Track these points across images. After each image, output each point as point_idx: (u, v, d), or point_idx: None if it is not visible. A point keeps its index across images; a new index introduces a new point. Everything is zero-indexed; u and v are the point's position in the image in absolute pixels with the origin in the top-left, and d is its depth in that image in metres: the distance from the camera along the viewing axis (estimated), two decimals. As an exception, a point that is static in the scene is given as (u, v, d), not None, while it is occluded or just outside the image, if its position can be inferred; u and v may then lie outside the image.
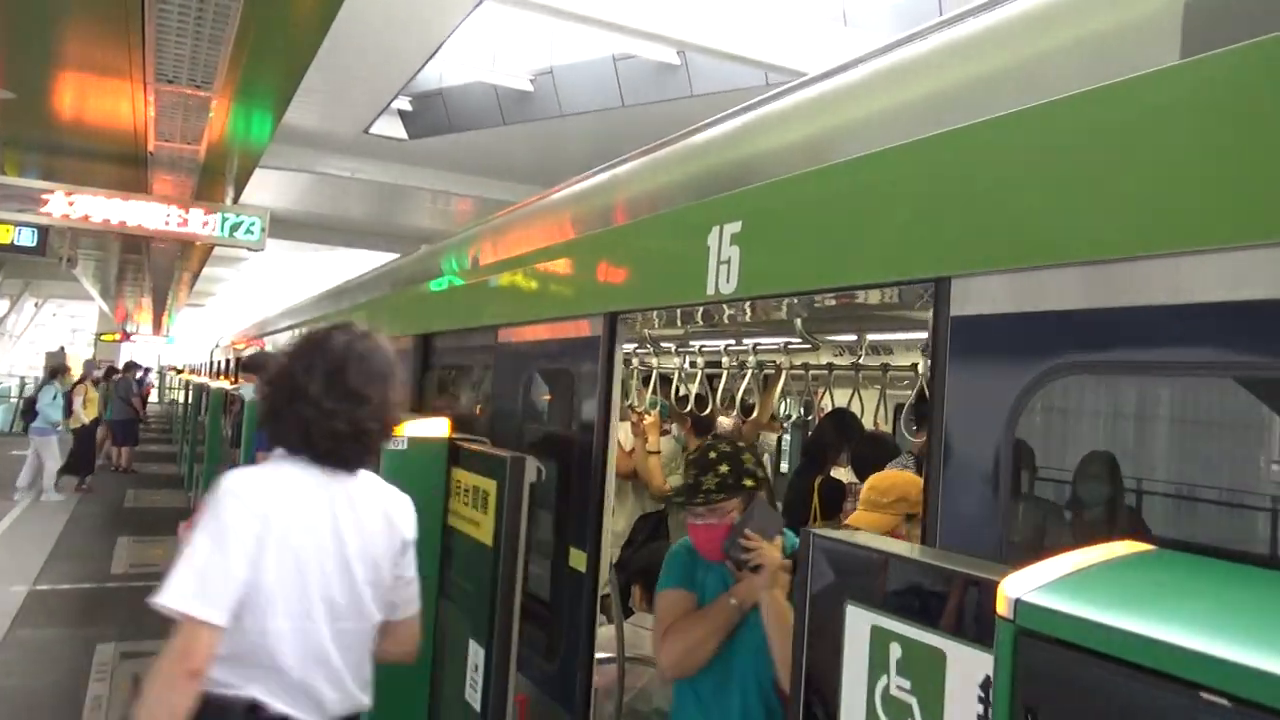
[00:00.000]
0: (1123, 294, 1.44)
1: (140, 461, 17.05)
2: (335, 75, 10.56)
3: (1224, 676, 0.79)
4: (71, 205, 8.70)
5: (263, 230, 9.43)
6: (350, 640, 2.18)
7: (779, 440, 7.47)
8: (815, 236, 2.17)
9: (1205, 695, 0.80)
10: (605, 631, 3.27)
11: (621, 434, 5.35)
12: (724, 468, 2.55)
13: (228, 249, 12.69)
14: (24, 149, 9.03)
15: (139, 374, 20.58)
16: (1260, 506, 1.57)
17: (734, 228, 2.43)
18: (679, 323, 4.04)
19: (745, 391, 5.44)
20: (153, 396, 30.76)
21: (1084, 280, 1.50)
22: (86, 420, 14.51)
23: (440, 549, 3.30)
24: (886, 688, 1.39)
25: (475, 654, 2.95)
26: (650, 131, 3.19)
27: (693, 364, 5.45)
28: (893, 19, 9.82)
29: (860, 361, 5.04)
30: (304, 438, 2.17)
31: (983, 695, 1.21)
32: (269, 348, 12.66)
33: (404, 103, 13.38)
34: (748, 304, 2.67)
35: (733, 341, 5.37)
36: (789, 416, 6.49)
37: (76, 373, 17.35)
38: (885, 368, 5.11)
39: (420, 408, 4.82)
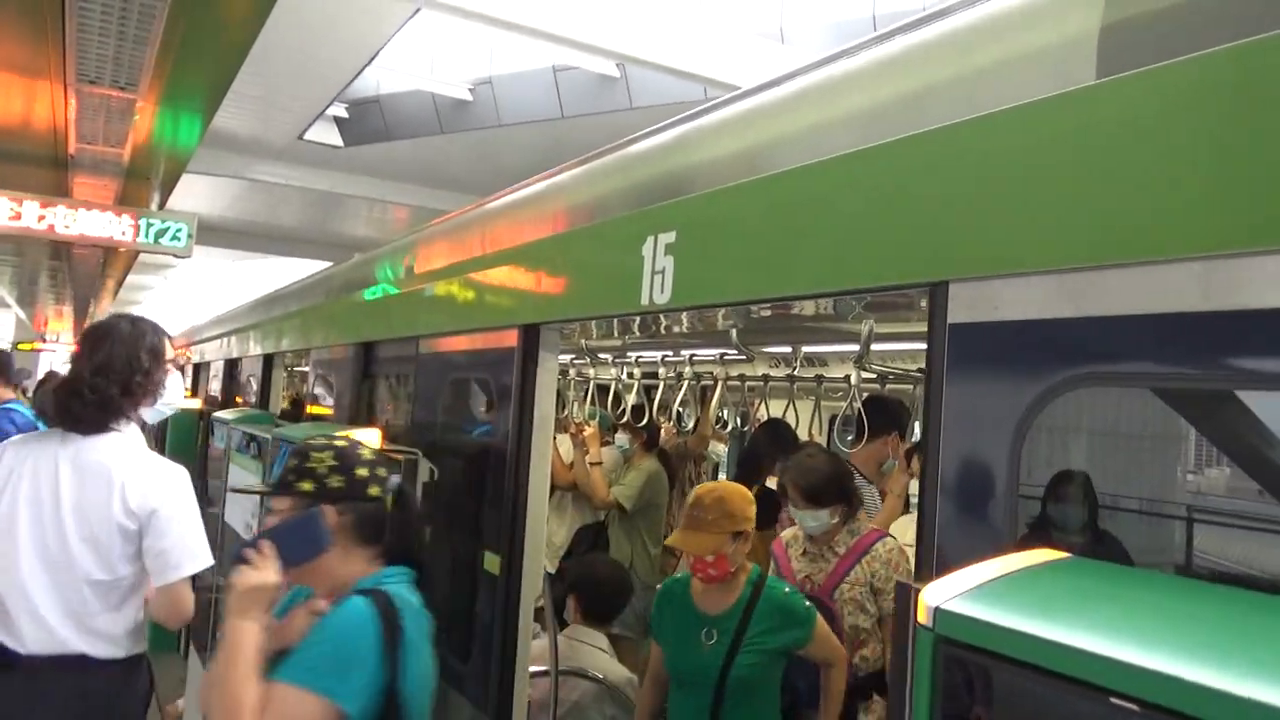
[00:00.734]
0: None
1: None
2: (268, 80, 10.34)
3: (1132, 681, 0.81)
4: (-15, 209, 8.35)
5: (190, 236, 9.15)
6: (65, 588, 2.44)
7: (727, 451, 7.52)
8: (751, 246, 2.18)
9: (1115, 700, 0.81)
10: (540, 644, 3.26)
11: (564, 447, 5.32)
12: (293, 462, 2.14)
13: (155, 256, 12.31)
14: (-67, 149, 8.63)
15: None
16: None
17: (668, 238, 2.43)
18: (616, 333, 4.04)
19: (681, 403, 5.45)
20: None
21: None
22: None
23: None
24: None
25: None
26: (590, 143, 3.19)
27: (630, 375, 5.45)
28: (828, 38, 10.01)
29: (795, 373, 5.10)
30: (53, 407, 2.61)
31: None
32: (196, 357, 12.31)
33: (340, 109, 13.16)
34: (683, 314, 2.68)
35: (670, 353, 5.39)
36: (728, 427, 6.53)
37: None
38: (819, 379, 5.17)
39: (357, 418, 4.75)
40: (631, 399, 5.17)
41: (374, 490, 2.10)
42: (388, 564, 2.08)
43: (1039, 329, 1.45)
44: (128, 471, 2.54)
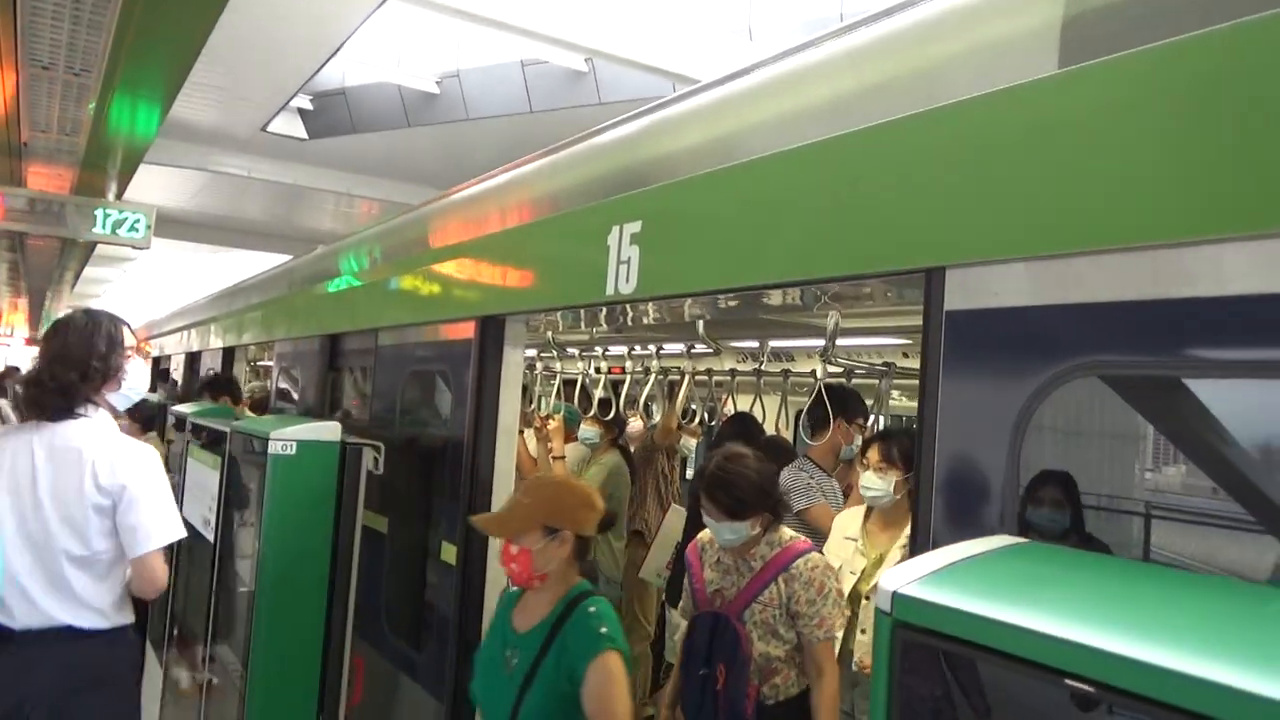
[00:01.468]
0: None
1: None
2: (230, 70, 10.15)
3: (1084, 661, 0.80)
4: (-65, 197, 8.13)
5: (148, 228, 8.98)
6: (48, 565, 2.64)
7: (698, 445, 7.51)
8: (725, 235, 2.15)
9: (1068, 681, 0.81)
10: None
11: (533, 442, 5.29)
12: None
13: (113, 248, 12.05)
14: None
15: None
16: None
17: (634, 228, 2.42)
18: (583, 324, 4.02)
19: (648, 397, 5.44)
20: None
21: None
22: None
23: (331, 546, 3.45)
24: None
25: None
26: (558, 137, 3.16)
27: (597, 369, 5.43)
28: (796, 35, 10.03)
29: (762, 367, 5.11)
30: (22, 400, 2.78)
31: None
32: (155, 351, 12.09)
33: (305, 101, 12.96)
34: (649, 304, 2.66)
35: (637, 346, 5.38)
36: (699, 420, 6.53)
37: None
38: (786, 374, 5.19)
39: (322, 410, 4.69)
40: (599, 393, 5.15)
41: None
42: None
43: (1040, 316, 1.39)
44: (97, 452, 2.71)
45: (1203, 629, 0.85)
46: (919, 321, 1.61)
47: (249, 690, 3.48)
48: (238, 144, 13.59)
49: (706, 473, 2.89)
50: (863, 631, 3.23)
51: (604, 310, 2.86)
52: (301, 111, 13.32)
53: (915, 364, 3.82)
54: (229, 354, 7.79)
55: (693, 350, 5.17)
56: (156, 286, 29.83)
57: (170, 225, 15.88)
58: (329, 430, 3.62)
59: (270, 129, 13.04)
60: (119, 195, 9.53)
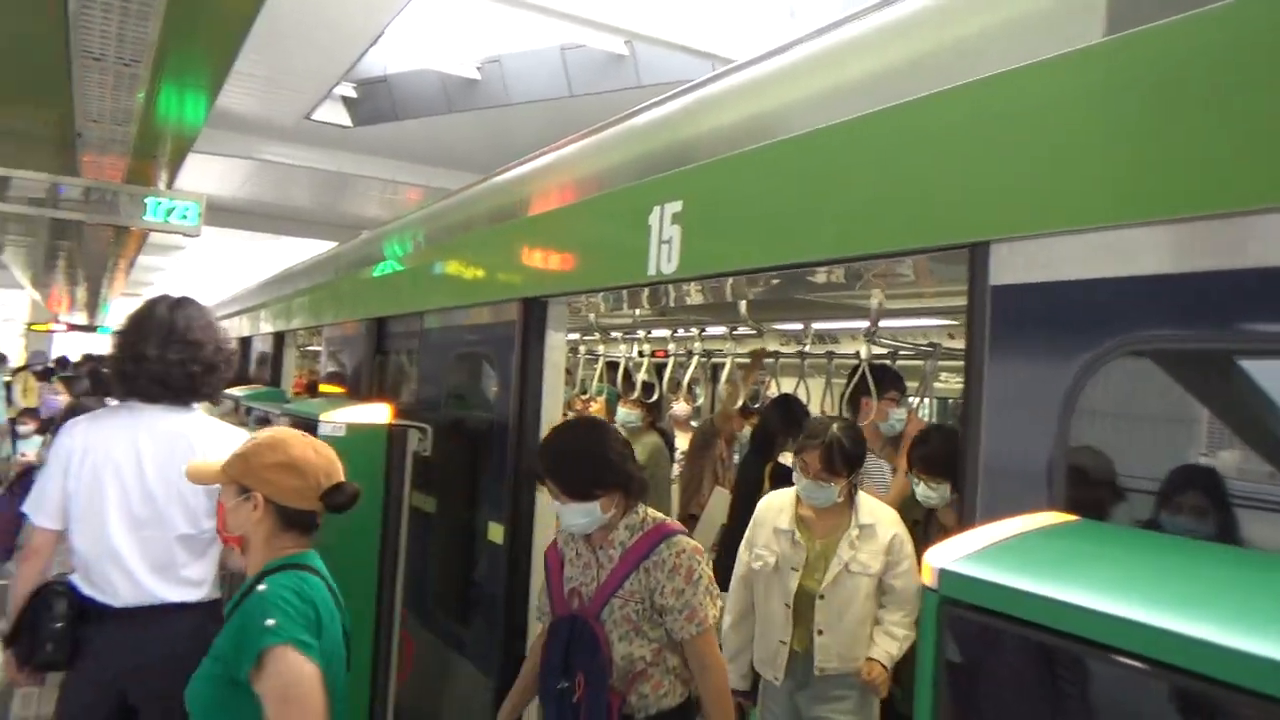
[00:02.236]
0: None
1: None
2: (275, 60, 10.29)
3: (1134, 638, 0.79)
4: (-4, 189, 8.36)
5: (199, 215, 9.16)
6: (152, 544, 2.71)
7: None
8: (768, 213, 2.13)
9: (1117, 657, 0.80)
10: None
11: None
12: None
13: (164, 237, 12.31)
14: (-56, 130, 8.64)
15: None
16: None
17: (675, 207, 2.41)
18: (625, 307, 4.03)
19: (691, 379, 5.43)
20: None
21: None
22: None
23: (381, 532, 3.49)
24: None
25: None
26: (598, 120, 3.16)
27: (640, 353, 5.44)
28: (837, 12, 9.87)
29: (806, 350, 5.07)
30: (125, 388, 2.82)
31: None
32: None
33: (348, 89, 13.10)
34: (690, 284, 2.65)
35: (680, 330, 5.37)
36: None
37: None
38: (830, 355, 5.14)
39: (370, 393, 4.77)
40: (642, 376, 5.16)
41: None
42: None
43: (1089, 289, 1.35)
44: (201, 435, 2.84)
45: (1261, 606, 0.83)
46: (964, 302, 1.58)
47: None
48: (283, 133, 13.80)
49: (540, 448, 2.59)
50: (819, 633, 3.06)
51: (646, 291, 2.86)
52: (345, 100, 13.47)
53: (961, 345, 3.76)
54: (279, 339, 7.94)
55: (734, 333, 5.15)
56: (208, 273, 30.43)
57: (219, 214, 16.17)
58: (377, 413, 3.68)
59: (314, 117, 13.21)
60: (169, 184, 9.73)
